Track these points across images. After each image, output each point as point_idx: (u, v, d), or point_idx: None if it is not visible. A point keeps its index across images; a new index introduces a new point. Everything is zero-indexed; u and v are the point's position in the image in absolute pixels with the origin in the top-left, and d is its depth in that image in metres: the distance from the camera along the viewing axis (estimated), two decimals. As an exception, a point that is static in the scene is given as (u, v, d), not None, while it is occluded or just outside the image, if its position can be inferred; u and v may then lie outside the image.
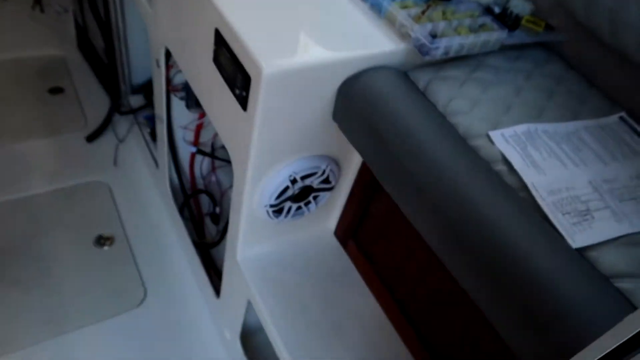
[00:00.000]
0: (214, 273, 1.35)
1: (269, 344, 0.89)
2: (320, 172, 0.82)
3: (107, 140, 1.62)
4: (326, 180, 0.85)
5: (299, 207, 0.87)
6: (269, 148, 0.74)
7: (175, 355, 1.18)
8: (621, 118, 0.74)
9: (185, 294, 1.29)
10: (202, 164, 1.43)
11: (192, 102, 1.20)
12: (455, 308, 0.76)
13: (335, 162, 0.85)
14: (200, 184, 1.46)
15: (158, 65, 1.09)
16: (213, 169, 1.40)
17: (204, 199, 1.47)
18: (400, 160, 0.64)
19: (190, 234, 1.32)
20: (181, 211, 1.38)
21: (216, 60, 0.75)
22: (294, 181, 0.80)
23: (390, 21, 0.76)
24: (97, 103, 1.74)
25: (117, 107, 1.64)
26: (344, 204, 0.94)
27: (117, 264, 1.32)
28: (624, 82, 0.77)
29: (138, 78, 1.64)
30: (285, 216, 0.86)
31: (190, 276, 1.33)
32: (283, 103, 0.68)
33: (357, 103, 0.70)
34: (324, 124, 0.76)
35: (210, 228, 1.46)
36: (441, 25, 0.74)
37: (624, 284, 0.48)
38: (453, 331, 0.78)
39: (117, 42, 1.51)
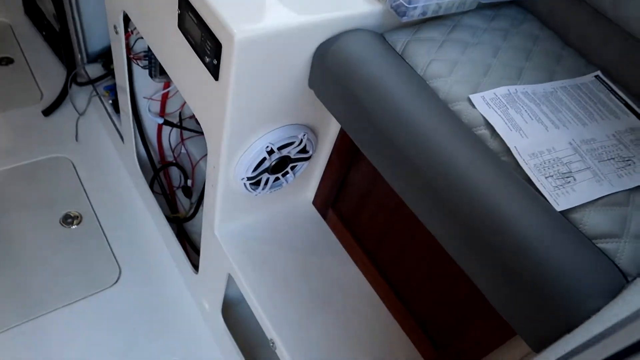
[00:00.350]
0: (190, 247, 1.33)
1: (249, 315, 0.89)
2: (297, 142, 0.81)
3: (65, 114, 1.55)
4: (303, 150, 0.83)
5: (277, 179, 0.85)
6: (243, 119, 0.71)
7: (154, 331, 1.17)
8: (597, 77, 0.74)
9: (162, 270, 1.27)
10: (170, 136, 1.39)
11: (156, 70, 1.15)
12: (440, 273, 0.77)
13: (312, 131, 0.83)
14: (169, 156, 1.42)
15: (116, 32, 1.03)
16: (182, 140, 1.36)
17: (174, 172, 1.43)
18: (380, 127, 0.63)
19: (163, 209, 1.29)
20: (151, 186, 1.35)
21: (181, 26, 0.71)
22: (270, 152, 0.78)
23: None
24: (51, 74, 1.64)
25: (73, 77, 1.56)
26: (321, 173, 0.93)
27: (87, 243, 1.28)
28: (596, 39, 0.78)
29: (95, 45, 1.56)
30: (263, 188, 0.85)
31: (166, 252, 1.31)
32: (257, 71, 0.65)
33: (332, 68, 0.68)
34: (299, 91, 0.74)
35: (183, 201, 1.44)
36: (418, -16, 0.72)
37: (607, 245, 0.49)
38: (438, 297, 0.79)
39: (68, 7, 1.42)
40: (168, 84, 1.21)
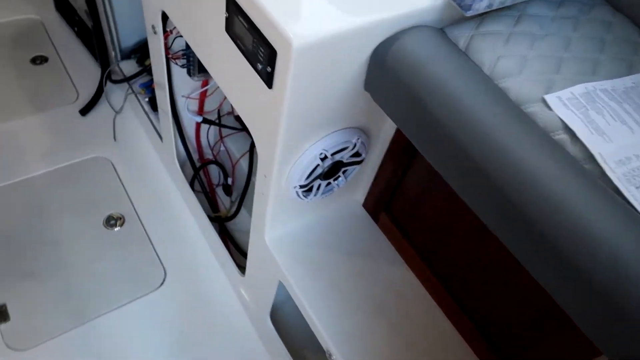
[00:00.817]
0: (233, 246, 1.33)
1: (295, 315, 0.88)
2: (351, 147, 0.78)
3: (102, 113, 1.56)
4: (356, 154, 0.80)
5: (329, 184, 0.83)
6: (298, 127, 0.69)
7: (201, 334, 1.19)
8: (683, 66, 0.69)
9: (207, 272, 1.28)
10: (209, 133, 1.38)
11: (195, 68, 1.13)
12: (508, 281, 0.74)
13: (365, 133, 0.80)
14: (207, 153, 1.42)
15: (155, 32, 1.01)
16: (221, 138, 1.35)
17: (214, 170, 1.43)
18: (447, 131, 0.60)
19: (204, 208, 1.29)
20: (192, 185, 1.35)
21: (230, 30, 0.68)
22: (324, 158, 0.76)
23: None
24: (85, 71, 1.65)
25: (108, 75, 1.56)
26: (373, 175, 0.90)
27: (131, 245, 1.30)
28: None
29: (127, 41, 1.55)
30: (315, 194, 0.83)
31: (209, 253, 1.31)
32: (313, 76, 0.63)
33: (392, 69, 0.65)
34: (354, 94, 0.71)
35: (223, 199, 1.43)
36: (482, -27, 0.67)
37: None
38: (504, 305, 0.76)
39: (100, 3, 1.41)
40: (206, 81, 1.20)
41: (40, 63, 1.67)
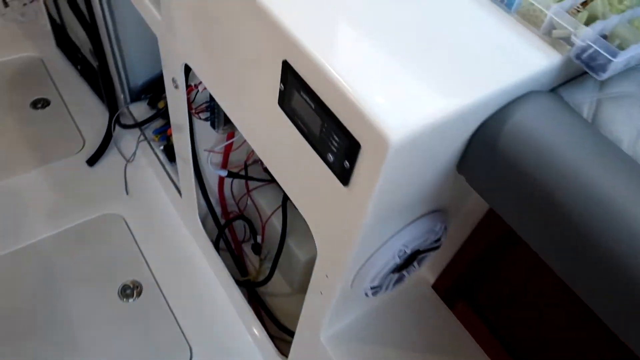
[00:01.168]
0: (266, 314, 1.18)
1: None
2: (433, 235, 0.62)
3: (112, 162, 1.41)
4: (437, 240, 0.65)
5: (400, 275, 0.68)
6: (375, 226, 0.54)
7: None
8: None
9: (238, 349, 1.12)
10: (233, 185, 1.23)
11: (220, 120, 0.99)
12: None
13: (445, 213, 0.65)
14: (230, 203, 1.27)
15: (176, 87, 0.87)
16: (248, 191, 1.20)
17: (238, 224, 1.28)
18: (585, 232, 0.45)
19: (230, 269, 1.14)
20: (216, 244, 1.20)
21: (285, 106, 0.53)
22: (402, 254, 0.61)
23: (525, 18, 0.54)
24: (91, 115, 1.51)
25: (117, 119, 1.42)
26: (449, 255, 0.75)
27: (151, 319, 1.14)
28: None
29: (136, 80, 1.41)
30: (385, 290, 0.68)
31: (240, 325, 1.16)
32: (404, 171, 0.48)
33: (503, 151, 0.50)
34: (443, 178, 0.56)
35: (250, 256, 1.28)
36: (612, 21, 0.52)
37: None
38: None
39: (107, 42, 1.27)
40: (232, 134, 1.05)
41: (42, 107, 1.53)
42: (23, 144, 1.42)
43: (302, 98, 0.50)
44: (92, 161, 1.39)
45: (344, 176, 0.48)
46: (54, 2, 1.45)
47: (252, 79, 0.59)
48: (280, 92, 0.53)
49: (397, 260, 0.60)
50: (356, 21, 0.49)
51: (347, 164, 0.47)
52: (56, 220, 1.27)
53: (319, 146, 0.50)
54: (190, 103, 0.91)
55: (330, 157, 0.49)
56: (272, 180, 1.18)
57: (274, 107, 0.56)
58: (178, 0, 0.70)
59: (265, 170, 1.18)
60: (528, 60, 0.51)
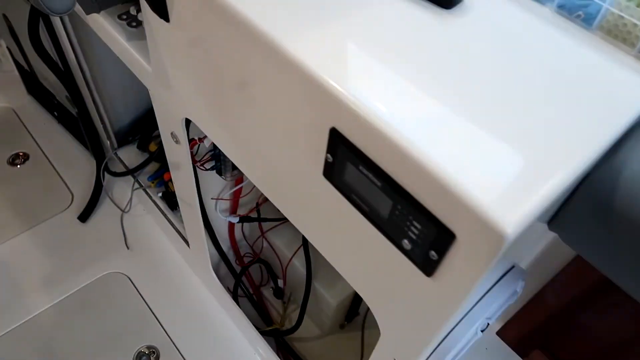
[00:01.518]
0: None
1: None
2: (515, 297, 0.53)
3: (106, 214, 1.29)
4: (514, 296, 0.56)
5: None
6: (460, 311, 0.44)
7: None
8: None
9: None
10: (244, 228, 1.13)
11: (227, 167, 0.88)
12: None
13: (521, 268, 0.55)
14: (243, 246, 1.16)
15: (176, 142, 0.76)
16: (262, 233, 1.09)
17: (255, 269, 1.17)
18: None
19: (250, 318, 1.03)
20: (234, 295, 1.09)
21: (336, 179, 0.43)
22: (485, 327, 0.51)
23: (612, 35, 0.44)
24: (76, 165, 1.39)
25: (105, 167, 1.30)
26: (518, 306, 0.65)
27: (174, 388, 1.04)
28: None
29: (121, 122, 1.30)
30: (454, 358, 0.58)
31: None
32: (504, 253, 0.38)
33: (617, 202, 0.40)
34: (534, 238, 0.46)
35: (271, 300, 1.18)
36: None
37: None
38: None
39: (85, 89, 1.16)
40: (241, 179, 0.94)
41: (21, 162, 1.40)
42: (5, 206, 1.30)
43: (361, 173, 0.39)
44: (84, 216, 1.27)
45: (428, 267, 0.39)
46: (19, 48, 1.32)
47: (282, 144, 0.49)
48: (328, 163, 0.43)
49: (479, 336, 0.51)
50: (421, 74, 0.40)
51: (434, 254, 0.37)
52: (54, 289, 1.16)
53: (389, 230, 0.40)
54: (193, 157, 0.80)
55: (407, 244, 0.39)
56: (286, 218, 1.08)
57: (316, 177, 0.46)
58: (173, 55, 0.60)
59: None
60: (632, 90, 0.41)
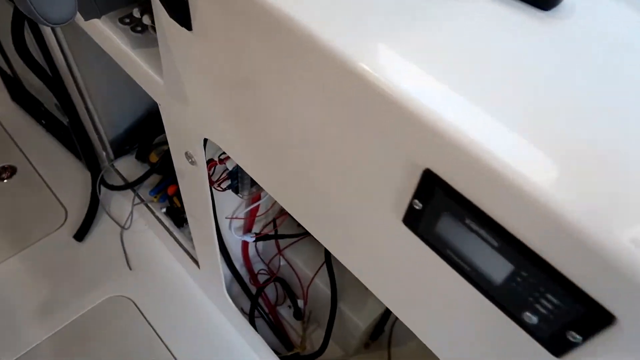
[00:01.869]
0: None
1: None
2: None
3: (104, 231, 1.19)
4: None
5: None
6: None
7: None
8: None
9: None
10: (257, 245, 1.04)
11: (244, 185, 0.79)
12: None
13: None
14: (256, 262, 1.07)
15: (191, 162, 0.66)
16: (279, 251, 1.01)
17: (270, 288, 1.09)
18: None
19: (267, 340, 0.95)
20: (251, 319, 1.00)
21: (423, 230, 0.34)
22: None
23: None
24: (69, 178, 1.28)
25: (101, 180, 1.19)
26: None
27: None
28: None
29: (117, 129, 1.19)
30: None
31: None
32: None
33: None
34: None
35: (289, 320, 1.09)
36: None
37: None
38: None
39: (77, 96, 1.05)
40: (258, 196, 0.85)
41: (8, 177, 1.28)
42: (-6, 226, 1.19)
43: (466, 227, 0.31)
44: (80, 235, 1.17)
45: (560, 348, 0.30)
46: (2, 53, 1.21)
47: (345, 182, 0.40)
48: (413, 210, 0.34)
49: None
50: (540, 100, 0.31)
51: (575, 336, 0.29)
52: (51, 318, 1.06)
53: (502, 298, 0.32)
54: (209, 177, 0.71)
55: (531, 319, 0.31)
56: (306, 233, 0.99)
57: (391, 224, 0.37)
58: (193, 67, 0.50)
59: (300, 225, 0.99)
60: None
